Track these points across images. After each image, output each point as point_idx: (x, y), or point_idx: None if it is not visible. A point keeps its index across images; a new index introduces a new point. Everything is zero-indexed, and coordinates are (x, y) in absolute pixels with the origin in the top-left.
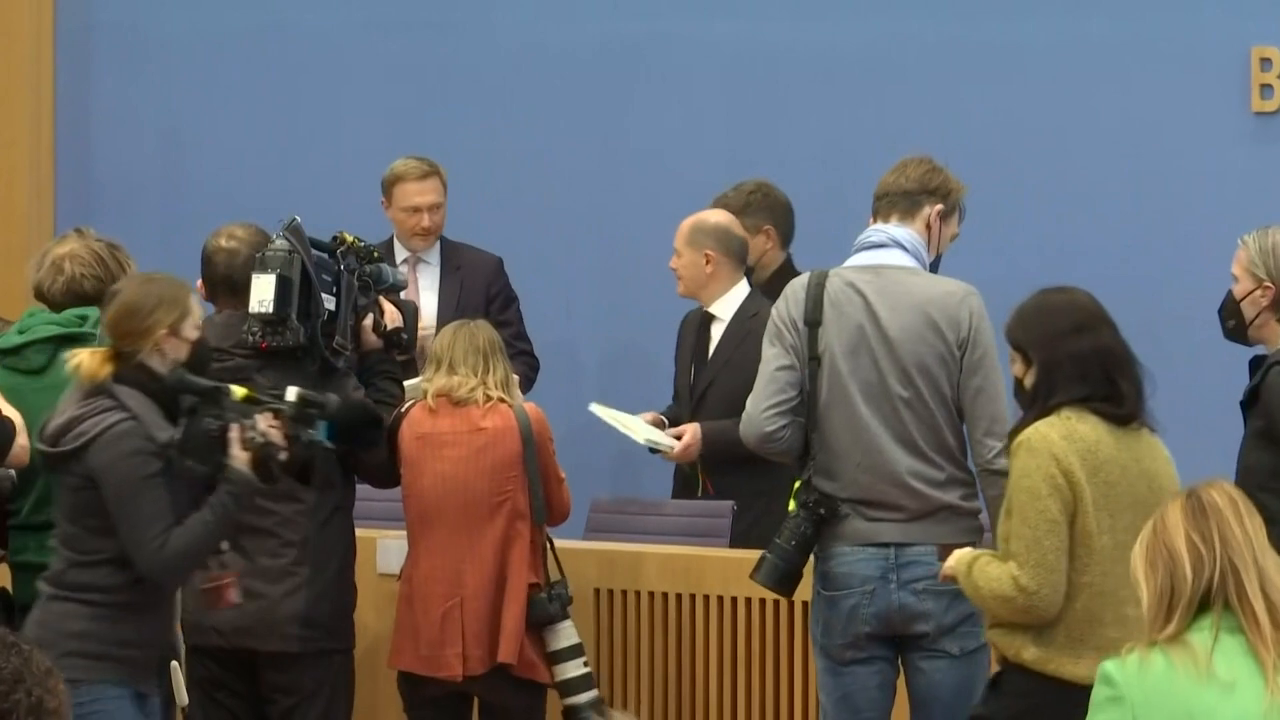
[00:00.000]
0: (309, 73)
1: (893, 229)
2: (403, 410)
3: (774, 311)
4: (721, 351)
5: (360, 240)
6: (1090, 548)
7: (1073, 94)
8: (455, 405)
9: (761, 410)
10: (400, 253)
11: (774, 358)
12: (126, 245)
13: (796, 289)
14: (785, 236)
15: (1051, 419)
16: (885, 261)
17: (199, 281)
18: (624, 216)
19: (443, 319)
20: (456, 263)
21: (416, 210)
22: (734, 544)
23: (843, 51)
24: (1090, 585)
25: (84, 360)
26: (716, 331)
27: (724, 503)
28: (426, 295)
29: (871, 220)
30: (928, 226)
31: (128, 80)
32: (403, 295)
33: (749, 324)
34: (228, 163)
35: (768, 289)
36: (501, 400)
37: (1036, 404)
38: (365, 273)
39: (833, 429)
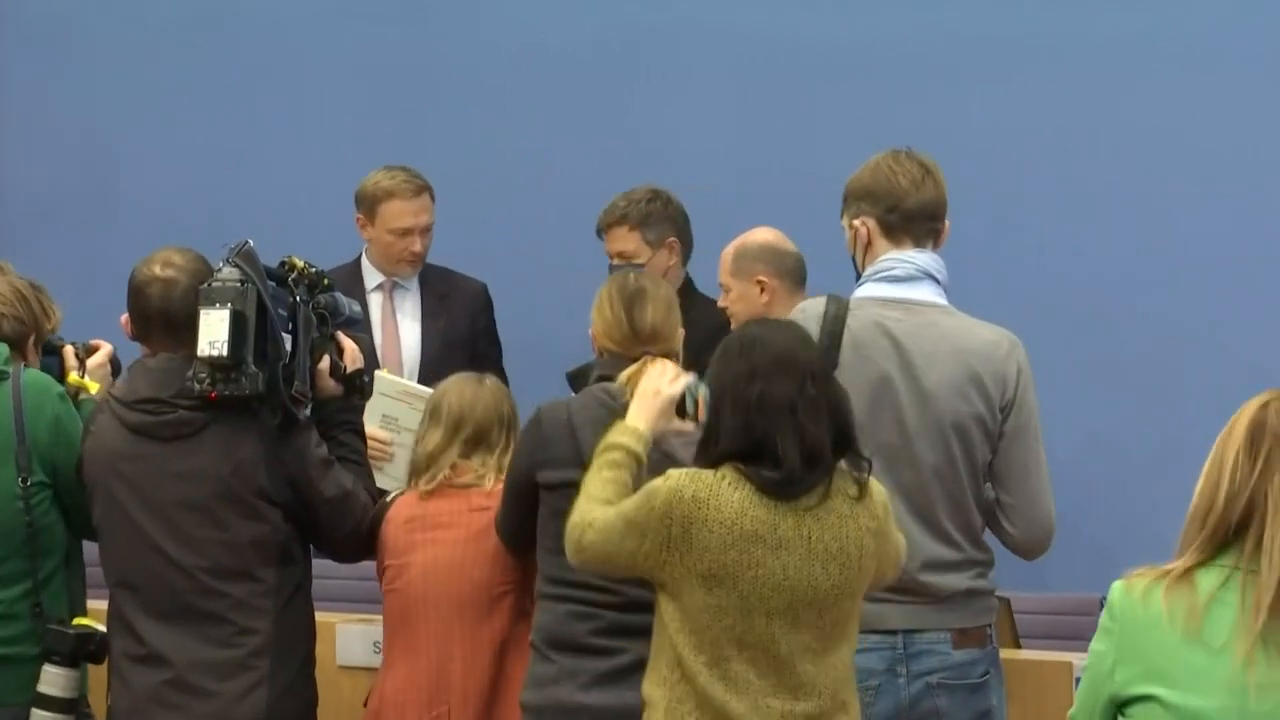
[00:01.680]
0: (264, 70)
1: (919, 257)
2: (389, 500)
3: None
4: None
5: (311, 266)
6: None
7: (1134, 89)
8: (457, 487)
9: None
10: (372, 277)
11: None
12: (38, 272)
13: (809, 320)
14: (687, 250)
15: (707, 474)
16: (915, 297)
17: (123, 317)
18: None
19: (428, 353)
20: (442, 289)
21: (407, 233)
22: None
23: (872, 44)
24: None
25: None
26: None
27: None
28: (408, 325)
29: (855, 234)
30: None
31: (43, 77)
32: (378, 325)
33: None
34: (163, 175)
35: None
36: None
37: (702, 451)
38: (319, 304)
39: None
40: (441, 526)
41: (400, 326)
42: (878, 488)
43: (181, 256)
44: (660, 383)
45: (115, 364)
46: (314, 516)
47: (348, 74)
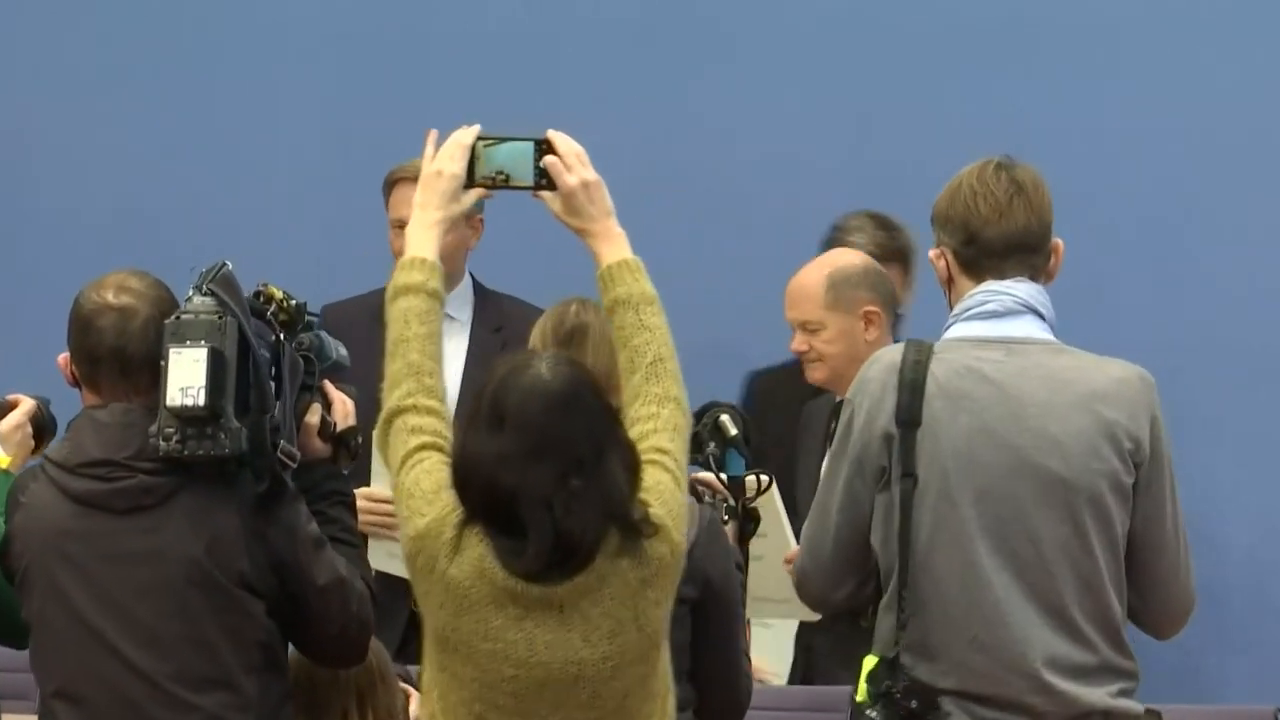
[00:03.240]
0: (224, 48)
1: (1018, 288)
2: None
3: (851, 404)
4: None
5: (290, 297)
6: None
7: None
8: None
9: (829, 567)
10: None
11: (844, 479)
12: None
13: (883, 371)
14: None
15: (458, 522)
16: (1016, 334)
17: (62, 357)
18: (676, 235)
19: (468, 396)
20: (497, 321)
21: (399, 226)
22: None
23: (986, 19)
24: None
25: None
26: None
27: (840, 689)
28: (452, 366)
29: (949, 273)
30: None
31: None
32: None
33: None
34: (96, 178)
35: None
36: None
37: (456, 485)
38: (302, 344)
39: (937, 585)
40: None
41: (447, 364)
42: (661, 538)
43: (139, 281)
44: (442, 162)
45: (41, 424)
46: (301, 609)
47: (325, 50)
